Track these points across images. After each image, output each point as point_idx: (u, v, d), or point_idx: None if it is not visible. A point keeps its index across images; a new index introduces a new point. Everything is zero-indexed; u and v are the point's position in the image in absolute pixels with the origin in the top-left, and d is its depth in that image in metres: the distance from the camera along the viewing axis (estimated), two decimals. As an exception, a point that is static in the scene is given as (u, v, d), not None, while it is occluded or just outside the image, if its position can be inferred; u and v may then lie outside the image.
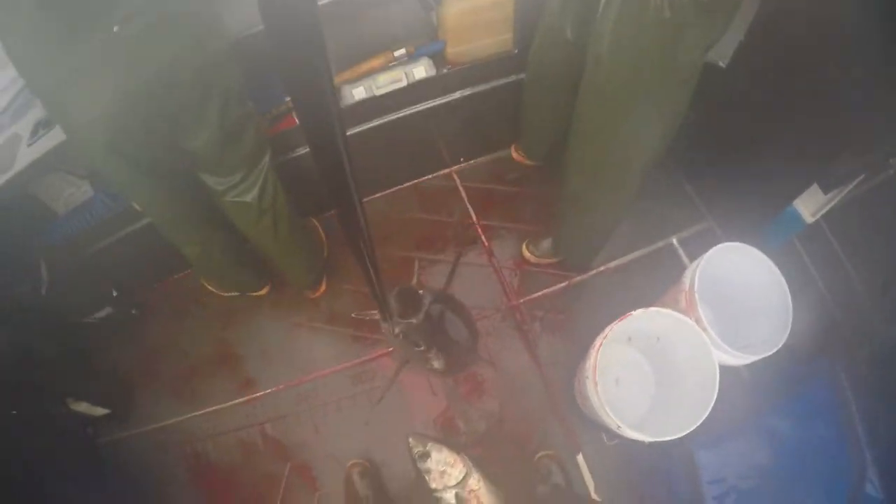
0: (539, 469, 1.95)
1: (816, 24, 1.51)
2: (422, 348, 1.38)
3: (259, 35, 1.68)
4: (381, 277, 1.03)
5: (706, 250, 1.73)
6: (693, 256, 1.86)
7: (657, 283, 1.99)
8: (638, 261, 2.23)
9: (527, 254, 2.26)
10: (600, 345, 1.68)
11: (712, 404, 1.59)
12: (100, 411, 2.24)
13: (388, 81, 1.99)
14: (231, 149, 1.61)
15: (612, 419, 1.62)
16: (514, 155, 2.46)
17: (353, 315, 2.17)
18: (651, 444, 1.76)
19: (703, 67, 1.37)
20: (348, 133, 1.93)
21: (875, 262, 1.71)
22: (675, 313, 1.69)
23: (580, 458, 2.01)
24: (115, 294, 2.32)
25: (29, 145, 1.84)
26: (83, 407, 2.22)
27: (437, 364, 1.49)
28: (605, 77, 1.42)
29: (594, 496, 1.97)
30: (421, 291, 1.29)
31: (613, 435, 1.98)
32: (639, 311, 1.68)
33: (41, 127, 1.88)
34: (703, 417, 1.58)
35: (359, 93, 1.99)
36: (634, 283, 2.14)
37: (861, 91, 1.50)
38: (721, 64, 1.84)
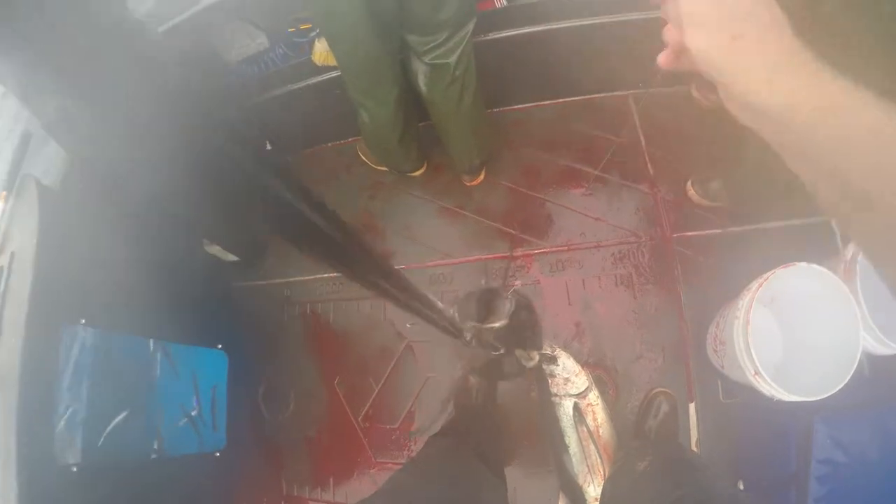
0: (652, 402, 2.15)
1: None
2: (500, 352, 1.41)
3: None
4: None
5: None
6: (847, 240, 1.97)
7: (808, 254, 2.10)
8: (795, 228, 2.34)
9: (691, 192, 2.43)
10: (760, 286, 1.81)
11: (850, 375, 1.70)
12: (230, 257, 2.55)
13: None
14: (443, 7, 1.81)
15: (752, 363, 1.76)
16: (695, 93, 2.59)
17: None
18: (766, 410, 1.92)
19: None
20: (547, 27, 2.13)
21: None
22: (837, 278, 1.81)
23: (692, 407, 2.19)
24: (268, 148, 2.60)
25: None
26: (215, 250, 2.53)
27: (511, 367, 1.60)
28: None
29: (694, 448, 2.15)
30: (505, 293, 1.33)
31: (731, 393, 2.18)
32: (804, 264, 1.81)
33: None
34: (840, 386, 1.69)
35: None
36: (787, 248, 2.25)
37: None
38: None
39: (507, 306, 1.30)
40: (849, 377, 1.70)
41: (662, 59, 0.67)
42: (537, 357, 1.68)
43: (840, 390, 1.70)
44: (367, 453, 2.34)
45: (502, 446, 2.18)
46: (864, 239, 0.55)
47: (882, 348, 1.81)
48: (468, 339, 1.28)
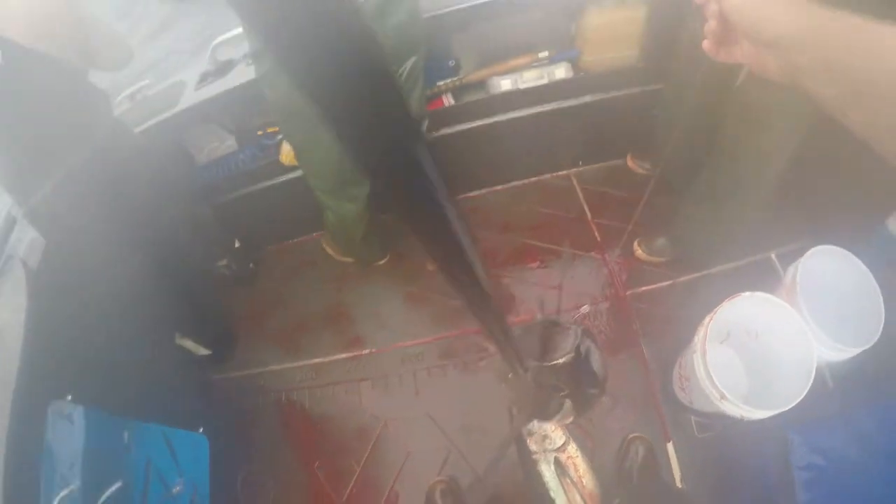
0: (628, 449, 2.21)
1: None
2: (564, 392, 1.31)
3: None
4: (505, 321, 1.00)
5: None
6: (785, 265, 2.19)
7: (755, 289, 2.30)
8: (738, 270, 2.57)
9: (639, 251, 2.64)
10: (711, 318, 1.96)
11: (810, 383, 1.81)
12: (203, 351, 2.59)
13: (532, 78, 2.49)
14: None
15: (717, 388, 1.86)
16: (630, 164, 2.90)
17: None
18: (741, 436, 2.03)
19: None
20: (492, 121, 2.40)
21: None
22: (780, 300, 1.99)
23: (670, 446, 2.27)
24: (237, 245, 2.73)
25: (196, 90, 2.34)
26: (188, 344, 2.57)
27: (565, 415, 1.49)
28: (755, 96, 1.82)
29: (680, 486, 2.20)
30: (569, 326, 1.27)
31: (705, 427, 2.27)
32: (748, 293, 1.98)
33: (208, 76, 2.39)
34: (803, 395, 1.79)
35: (505, 84, 2.50)
36: (734, 287, 2.44)
37: None
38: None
39: (571, 340, 1.22)
40: (810, 384, 1.81)
41: (706, 46, 0.83)
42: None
43: (810, 404, 1.80)
44: (354, 536, 2.29)
45: None
46: None
47: (837, 354, 1.96)
48: (529, 378, 1.21)
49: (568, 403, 1.40)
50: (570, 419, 1.49)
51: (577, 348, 1.20)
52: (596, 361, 1.36)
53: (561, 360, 1.18)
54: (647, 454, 2.20)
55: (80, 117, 1.87)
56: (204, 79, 2.40)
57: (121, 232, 2.00)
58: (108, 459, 1.77)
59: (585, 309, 2.56)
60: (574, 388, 1.30)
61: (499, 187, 3.00)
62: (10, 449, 1.51)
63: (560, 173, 2.98)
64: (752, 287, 2.01)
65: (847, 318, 2.06)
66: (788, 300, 2.03)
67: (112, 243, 1.98)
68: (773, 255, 2.54)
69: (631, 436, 2.25)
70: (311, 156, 2.13)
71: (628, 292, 2.61)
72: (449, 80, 2.54)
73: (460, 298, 0.79)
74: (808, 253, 2.04)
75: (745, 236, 2.43)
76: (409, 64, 1.94)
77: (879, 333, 1.93)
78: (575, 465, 1.93)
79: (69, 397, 1.69)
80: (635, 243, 2.67)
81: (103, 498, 1.68)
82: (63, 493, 1.57)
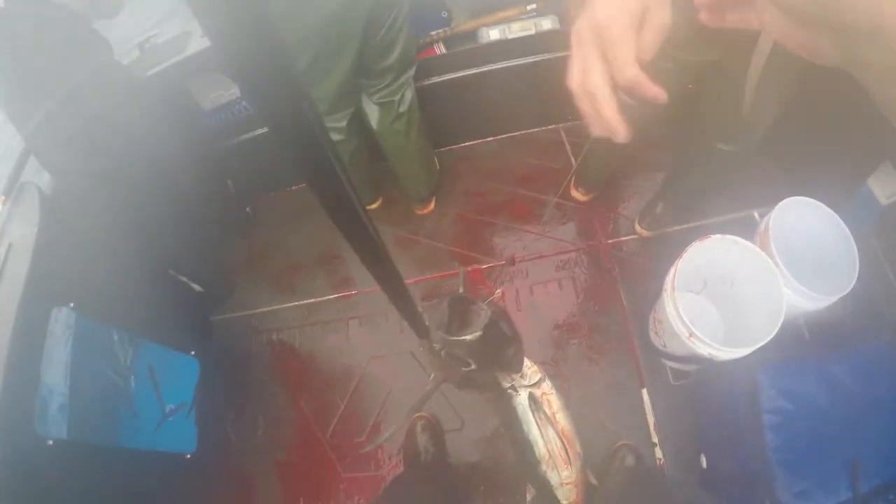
0: (615, 456, 2.19)
1: None
2: (472, 367, 1.32)
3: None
4: (406, 290, 0.97)
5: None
6: (762, 214, 2.19)
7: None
8: (720, 225, 2.59)
9: (640, 229, 2.65)
10: (681, 257, 1.99)
11: (780, 323, 1.82)
12: (196, 288, 2.65)
13: (519, 29, 2.52)
14: (387, 57, 2.15)
15: (686, 325, 1.90)
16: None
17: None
18: (714, 381, 2.05)
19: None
20: (481, 70, 2.44)
21: None
22: (751, 244, 2.00)
23: (644, 392, 2.31)
24: (229, 184, 2.80)
25: (202, 36, 2.41)
26: (182, 280, 2.65)
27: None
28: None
29: (653, 432, 2.25)
30: (479, 303, 1.28)
31: (679, 375, 2.31)
32: (717, 236, 2.00)
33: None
34: (772, 335, 1.81)
35: (494, 34, 2.54)
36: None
37: None
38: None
39: (481, 317, 1.23)
40: (778, 327, 1.83)
41: (704, 13, 0.70)
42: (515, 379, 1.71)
43: (782, 351, 1.84)
44: (335, 469, 2.35)
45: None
46: None
47: (810, 302, 1.97)
48: (437, 348, 1.24)
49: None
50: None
51: (486, 327, 1.21)
52: (505, 346, 1.40)
53: (468, 338, 1.19)
54: (636, 462, 2.18)
55: (79, 58, 1.98)
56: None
57: (120, 169, 2.10)
58: (102, 369, 1.89)
59: (566, 256, 2.61)
60: (482, 365, 1.30)
61: (489, 138, 3.05)
62: (13, 345, 1.63)
63: (549, 127, 3.03)
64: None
65: (822, 266, 2.08)
66: (762, 247, 2.04)
67: (112, 180, 2.09)
68: (755, 213, 2.55)
69: (619, 443, 2.24)
70: (311, 82, 2.17)
71: (610, 241, 2.66)
72: (441, 30, 2.59)
73: (365, 266, 0.80)
74: (782, 203, 2.06)
75: (730, 193, 2.46)
76: (391, 15, 2.01)
77: (853, 283, 1.93)
78: (549, 401, 1.95)
79: (72, 304, 1.81)
80: (636, 224, 2.67)
81: (93, 403, 1.80)
82: (56, 391, 1.69)
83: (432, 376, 1.74)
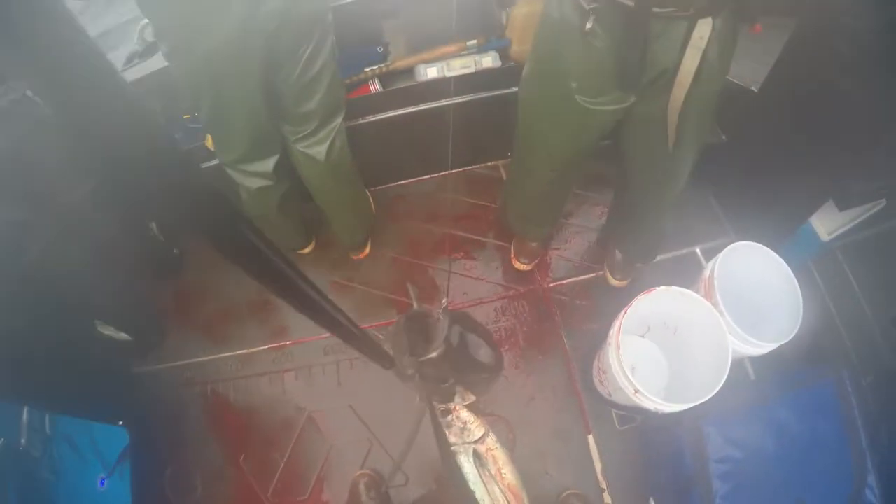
0: None
1: (840, 46, 1.83)
2: (449, 383, 1.34)
3: (346, 7, 2.19)
4: (357, 327, 0.97)
5: (727, 260, 2.05)
6: (708, 259, 2.19)
7: (679, 284, 2.34)
8: (662, 264, 2.58)
9: (613, 281, 2.58)
10: (625, 312, 1.95)
11: (724, 377, 1.81)
12: (124, 337, 2.50)
13: (459, 66, 2.44)
14: (308, 99, 1.97)
15: (630, 382, 1.87)
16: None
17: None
18: (660, 428, 2.04)
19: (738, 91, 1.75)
20: (418, 108, 2.35)
21: (889, 298, 2.02)
22: (696, 295, 1.99)
23: (591, 438, 2.28)
24: (155, 231, 2.64)
25: (122, 71, 2.25)
26: (109, 331, 2.48)
27: (464, 396, 1.57)
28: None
29: (600, 478, 2.22)
30: (435, 314, 1.25)
31: (625, 420, 2.29)
32: (663, 288, 1.97)
33: (135, 57, 2.30)
34: (717, 389, 1.79)
35: (432, 72, 2.44)
36: (657, 282, 2.49)
37: (880, 112, 1.81)
38: (754, 89, 2.27)
39: (441, 328, 1.21)
40: (723, 380, 1.81)
41: None
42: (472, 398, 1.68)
43: (728, 396, 1.81)
44: (279, 529, 2.26)
45: None
46: None
47: (754, 349, 1.98)
48: (410, 373, 1.21)
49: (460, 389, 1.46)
50: (473, 398, 1.54)
51: (447, 339, 1.19)
52: (475, 346, 1.38)
53: (433, 355, 1.17)
54: None
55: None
56: (131, 60, 2.30)
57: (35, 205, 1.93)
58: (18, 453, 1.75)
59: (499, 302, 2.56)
60: (459, 374, 1.31)
61: (426, 177, 2.95)
62: None
63: (488, 163, 2.96)
64: (677, 280, 2.02)
65: (766, 312, 2.10)
66: (707, 295, 2.04)
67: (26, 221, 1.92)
68: (697, 250, 2.57)
69: (567, 492, 2.20)
70: (217, 127, 2.05)
71: (551, 284, 2.62)
72: (376, 67, 2.48)
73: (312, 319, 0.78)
74: (727, 249, 2.05)
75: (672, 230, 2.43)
76: (306, 50, 1.84)
77: (797, 329, 1.95)
78: (494, 457, 1.93)
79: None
80: (606, 273, 2.61)
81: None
82: None
83: (417, 398, 1.70)
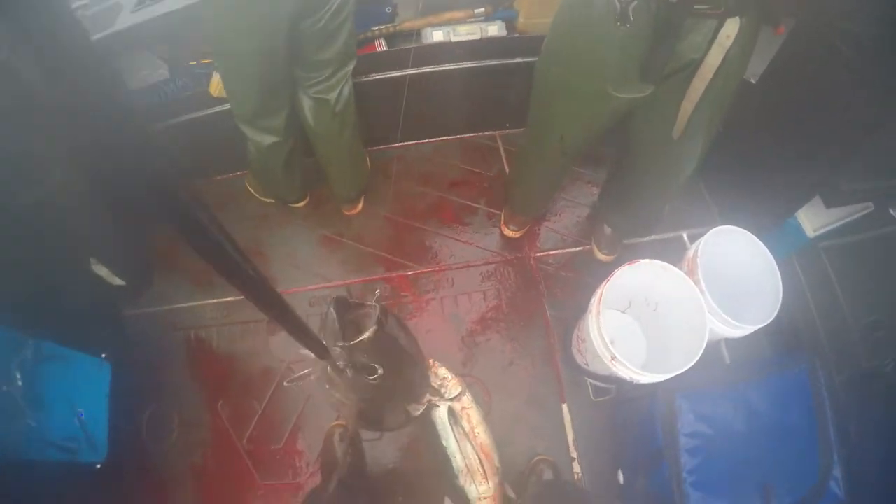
0: (533, 471, 2.20)
1: (839, 45, 1.87)
2: (378, 374, 1.23)
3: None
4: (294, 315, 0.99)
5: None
6: (692, 240, 2.24)
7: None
8: (650, 244, 2.64)
9: (601, 255, 2.64)
10: (608, 281, 1.99)
11: (701, 351, 1.85)
12: (117, 281, 2.50)
13: (465, 32, 2.48)
14: (328, 46, 2.03)
15: (608, 349, 1.90)
16: None
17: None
18: (634, 401, 2.08)
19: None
20: (422, 71, 2.38)
21: (868, 302, 2.08)
22: (679, 271, 2.02)
23: (564, 407, 2.32)
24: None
25: (132, 12, 2.27)
26: (103, 272, 2.49)
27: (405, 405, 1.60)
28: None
29: (571, 447, 2.27)
30: (368, 306, 1.24)
31: (600, 391, 2.33)
32: (646, 260, 2.01)
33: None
34: (693, 362, 1.85)
35: (438, 35, 2.48)
36: (645, 258, 2.55)
37: (871, 111, 1.86)
38: (752, 80, 2.32)
39: (372, 316, 1.21)
40: (699, 355, 1.85)
41: None
42: (426, 404, 1.75)
43: (703, 375, 1.87)
44: (252, 475, 2.27)
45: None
46: None
47: (732, 330, 2.02)
48: (341, 365, 1.20)
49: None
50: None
51: (379, 323, 1.20)
52: (407, 341, 1.42)
53: (365, 336, 1.17)
54: (554, 479, 2.18)
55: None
56: (141, 1, 2.32)
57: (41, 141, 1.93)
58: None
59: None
60: (391, 367, 1.27)
61: (424, 140, 2.98)
62: None
63: (485, 133, 2.99)
64: (663, 259, 2.05)
65: (746, 296, 2.13)
66: (689, 274, 2.07)
67: (31, 155, 1.92)
68: (684, 235, 2.61)
69: (537, 458, 2.24)
70: (232, 80, 2.09)
71: (538, 254, 2.66)
72: (384, 26, 2.52)
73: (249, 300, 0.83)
74: (713, 230, 2.09)
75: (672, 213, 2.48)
76: (333, 4, 1.90)
77: (776, 313, 1.99)
78: (469, 416, 1.96)
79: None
80: (593, 247, 2.66)
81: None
82: None
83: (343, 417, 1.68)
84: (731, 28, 1.47)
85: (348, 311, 1.23)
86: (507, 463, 2.05)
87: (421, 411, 1.80)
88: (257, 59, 1.95)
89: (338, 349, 1.18)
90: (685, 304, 2.05)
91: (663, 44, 1.55)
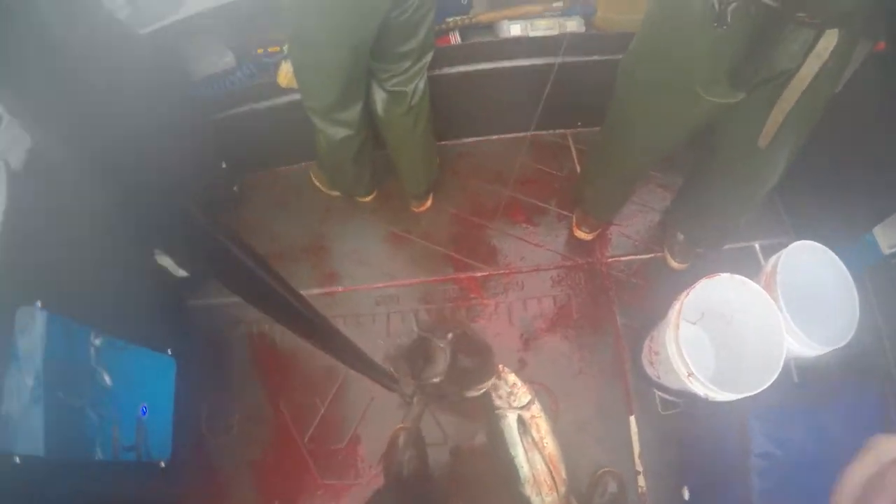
0: (598, 482, 2.17)
1: None
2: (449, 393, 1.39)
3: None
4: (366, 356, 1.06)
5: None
6: (768, 254, 2.19)
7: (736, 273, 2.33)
8: (720, 253, 2.54)
9: (673, 263, 2.58)
10: (688, 293, 1.94)
11: (777, 372, 1.81)
12: (181, 272, 2.49)
13: (543, 27, 2.40)
14: (411, 38, 2.00)
15: (686, 365, 1.86)
16: None
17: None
18: (703, 417, 2.03)
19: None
20: (497, 66, 2.32)
21: None
22: (759, 287, 1.97)
23: (632, 419, 2.29)
24: (223, 166, 2.63)
25: None
26: (167, 263, 2.49)
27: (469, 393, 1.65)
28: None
29: (637, 460, 2.24)
30: (438, 342, 1.30)
31: (668, 405, 2.29)
32: (727, 275, 1.96)
33: None
34: (770, 382, 1.80)
35: (515, 29, 2.42)
36: (714, 270, 2.47)
37: None
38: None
39: (444, 357, 1.25)
40: (776, 374, 1.81)
41: None
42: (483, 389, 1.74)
43: (772, 394, 1.81)
44: (312, 474, 2.28)
45: None
46: None
47: (807, 349, 1.97)
48: (409, 394, 1.27)
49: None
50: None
51: (450, 365, 1.24)
52: (477, 367, 1.45)
53: (435, 381, 1.23)
54: (618, 493, 2.15)
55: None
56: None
57: (107, 135, 1.90)
58: (72, 374, 1.73)
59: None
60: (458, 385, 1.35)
61: (494, 137, 2.92)
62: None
63: (557, 131, 2.93)
64: (733, 272, 1.99)
65: (821, 315, 2.06)
66: (766, 289, 2.01)
67: (97, 149, 1.89)
68: (756, 245, 2.54)
69: (603, 470, 2.21)
70: (310, 72, 2.06)
71: (609, 259, 2.61)
72: (458, 18, 2.45)
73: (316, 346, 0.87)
74: (792, 245, 2.03)
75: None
76: None
77: (852, 335, 1.93)
78: (538, 425, 1.94)
79: (38, 303, 1.62)
80: (666, 254, 2.60)
81: (61, 413, 1.66)
82: (26, 396, 1.55)
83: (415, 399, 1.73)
84: (830, 39, 1.42)
85: (419, 345, 1.28)
86: (573, 473, 2.03)
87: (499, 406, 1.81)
88: (344, 52, 1.92)
89: (409, 384, 1.25)
90: (761, 321, 2.00)
91: (758, 50, 1.50)
